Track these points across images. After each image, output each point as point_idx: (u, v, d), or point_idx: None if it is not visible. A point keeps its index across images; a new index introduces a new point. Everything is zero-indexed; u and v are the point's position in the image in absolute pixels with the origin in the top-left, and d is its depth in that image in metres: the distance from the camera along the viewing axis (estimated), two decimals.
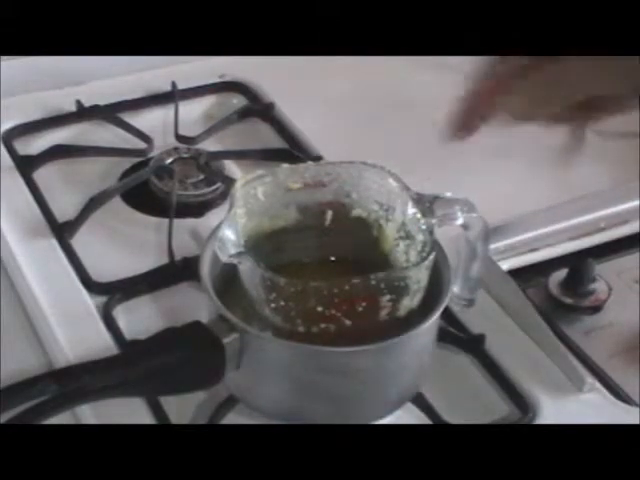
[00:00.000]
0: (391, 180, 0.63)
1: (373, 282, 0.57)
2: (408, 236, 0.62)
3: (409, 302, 0.59)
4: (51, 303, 0.69)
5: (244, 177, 0.63)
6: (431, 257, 0.59)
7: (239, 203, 0.62)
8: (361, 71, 0.96)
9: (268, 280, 0.57)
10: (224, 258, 0.58)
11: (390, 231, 0.63)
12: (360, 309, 0.58)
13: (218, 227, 0.63)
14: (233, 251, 0.58)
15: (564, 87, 0.52)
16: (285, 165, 0.65)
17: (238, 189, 0.62)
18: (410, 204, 0.61)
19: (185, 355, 0.58)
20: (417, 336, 0.60)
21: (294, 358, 0.59)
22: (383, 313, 0.59)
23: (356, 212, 0.64)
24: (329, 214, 0.65)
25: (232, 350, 0.58)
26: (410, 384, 0.63)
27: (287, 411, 0.60)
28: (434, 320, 0.60)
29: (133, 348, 0.63)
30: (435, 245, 0.60)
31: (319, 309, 0.58)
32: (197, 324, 0.59)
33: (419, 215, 0.61)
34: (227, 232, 0.59)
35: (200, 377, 0.58)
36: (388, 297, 0.58)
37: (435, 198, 0.61)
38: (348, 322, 0.58)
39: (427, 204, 0.61)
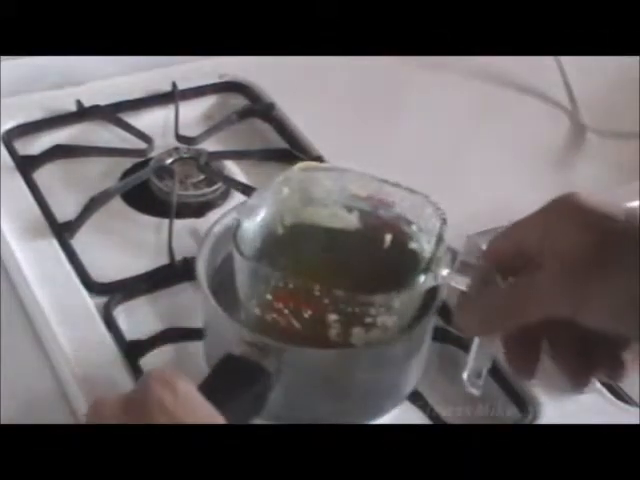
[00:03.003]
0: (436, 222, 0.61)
1: (317, 293, 0.57)
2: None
3: (361, 333, 0.58)
4: (51, 303, 0.69)
5: (306, 163, 0.63)
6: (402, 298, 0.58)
7: (293, 185, 0.61)
8: (361, 71, 0.96)
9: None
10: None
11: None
12: (306, 315, 0.58)
13: (214, 225, 0.63)
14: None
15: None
16: (351, 169, 0.64)
17: (296, 171, 0.62)
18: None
19: (242, 398, 0.56)
20: (413, 337, 0.60)
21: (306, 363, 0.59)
22: (332, 332, 0.58)
23: (413, 245, 0.63)
24: (389, 237, 0.63)
25: (273, 372, 0.57)
26: (406, 383, 0.63)
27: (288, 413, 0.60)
28: (429, 319, 0.60)
29: None
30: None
31: (269, 297, 0.58)
32: (231, 358, 0.57)
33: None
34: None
35: (254, 409, 0.57)
36: (335, 317, 0.58)
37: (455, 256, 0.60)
38: (296, 323, 0.58)
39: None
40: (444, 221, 0.60)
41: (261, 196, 0.62)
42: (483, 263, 0.56)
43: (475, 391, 0.59)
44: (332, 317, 0.58)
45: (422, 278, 0.58)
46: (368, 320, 0.57)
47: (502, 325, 0.54)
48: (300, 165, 0.63)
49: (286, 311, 0.58)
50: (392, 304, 0.57)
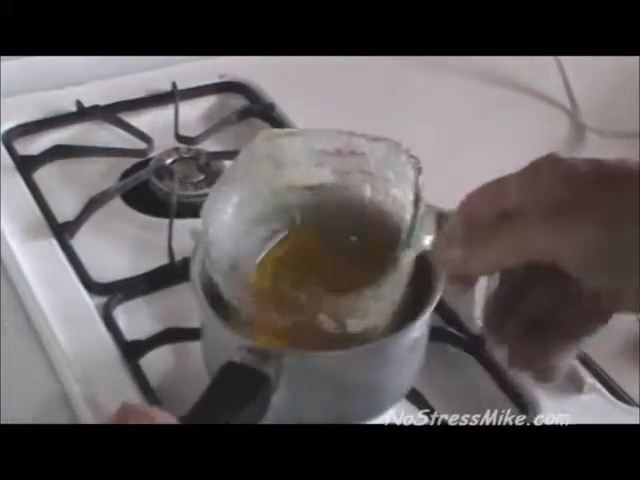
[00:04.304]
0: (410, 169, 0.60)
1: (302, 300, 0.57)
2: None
3: (356, 322, 0.58)
4: (51, 303, 0.69)
5: (266, 132, 0.62)
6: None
7: (261, 156, 0.61)
8: (361, 71, 0.96)
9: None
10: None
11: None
12: (297, 318, 0.58)
13: (209, 227, 0.63)
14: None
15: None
16: (314, 128, 0.63)
17: (259, 143, 0.61)
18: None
19: (245, 406, 0.56)
20: (408, 334, 0.60)
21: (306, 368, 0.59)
22: (328, 327, 0.58)
23: (394, 191, 0.62)
24: (368, 186, 0.62)
25: (274, 377, 0.57)
26: (405, 381, 0.63)
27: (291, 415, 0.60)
28: (425, 319, 0.60)
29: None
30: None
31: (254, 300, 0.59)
32: (231, 366, 0.57)
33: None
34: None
35: (257, 415, 0.57)
36: (325, 316, 0.58)
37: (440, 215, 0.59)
38: (289, 324, 0.58)
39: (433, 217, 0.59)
40: (419, 170, 0.59)
41: (226, 183, 0.61)
42: (457, 216, 0.55)
43: None
44: (322, 316, 0.58)
45: (405, 256, 0.57)
46: (359, 313, 0.58)
47: (486, 266, 0.53)
48: (261, 135, 0.61)
49: (275, 315, 0.58)
50: (378, 293, 0.57)
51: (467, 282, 0.54)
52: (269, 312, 0.59)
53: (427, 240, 0.57)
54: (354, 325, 0.58)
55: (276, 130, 0.61)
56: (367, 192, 0.63)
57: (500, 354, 0.59)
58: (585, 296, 0.52)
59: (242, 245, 0.62)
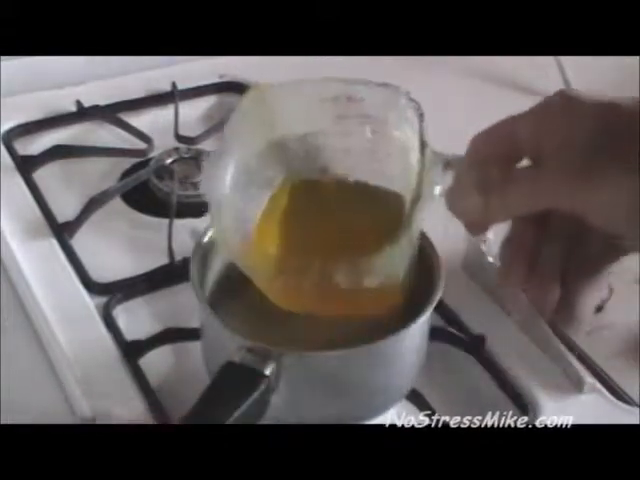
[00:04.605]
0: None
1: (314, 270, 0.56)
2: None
3: (373, 279, 0.56)
4: (51, 303, 0.69)
5: (254, 89, 0.60)
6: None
7: (252, 117, 0.59)
8: (361, 71, 0.96)
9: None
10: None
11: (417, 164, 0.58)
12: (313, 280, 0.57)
13: (209, 227, 0.63)
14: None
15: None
16: (306, 78, 0.60)
17: (250, 101, 0.59)
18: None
19: (245, 406, 0.56)
20: (409, 334, 0.60)
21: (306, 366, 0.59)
22: (345, 282, 0.57)
23: (396, 134, 0.59)
24: (368, 128, 0.60)
25: (273, 377, 0.57)
26: (404, 382, 0.63)
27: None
28: (425, 318, 0.60)
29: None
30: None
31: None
32: (230, 366, 0.57)
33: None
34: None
35: (256, 414, 0.57)
36: (342, 277, 0.56)
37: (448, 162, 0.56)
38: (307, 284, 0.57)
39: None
40: (421, 116, 0.57)
41: (223, 146, 0.59)
42: (467, 161, 0.53)
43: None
44: (339, 277, 0.56)
45: (418, 207, 0.55)
46: (377, 270, 0.56)
47: (503, 215, 0.51)
48: (250, 94, 0.60)
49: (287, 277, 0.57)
50: (396, 250, 0.56)
51: (482, 228, 0.52)
52: (280, 274, 0.58)
53: (437, 190, 0.55)
54: (370, 281, 0.57)
55: (265, 83, 0.59)
56: (367, 135, 0.60)
57: (514, 300, 0.57)
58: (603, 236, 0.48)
59: (244, 198, 0.60)
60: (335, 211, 0.62)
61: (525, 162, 0.52)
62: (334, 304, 0.58)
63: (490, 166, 0.50)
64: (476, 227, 0.52)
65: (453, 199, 0.52)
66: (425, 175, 0.55)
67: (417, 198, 0.55)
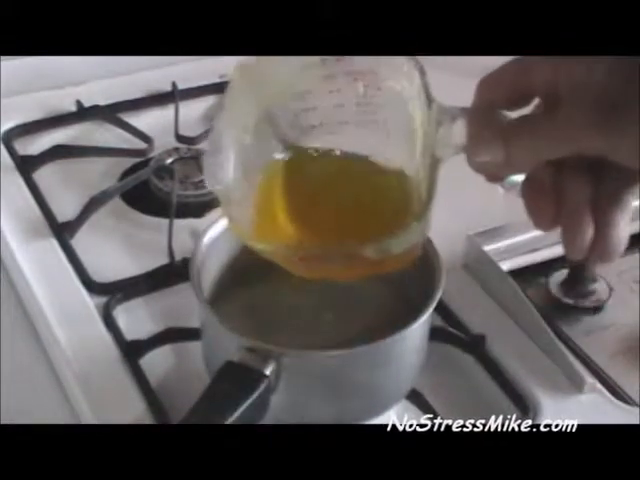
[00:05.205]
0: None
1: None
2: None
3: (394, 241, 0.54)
4: (51, 303, 0.69)
5: (239, 64, 0.59)
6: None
7: (243, 89, 0.58)
8: None
9: None
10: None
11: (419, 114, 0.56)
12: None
13: (209, 228, 0.63)
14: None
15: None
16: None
17: (239, 75, 0.58)
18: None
19: (245, 406, 0.56)
20: (409, 334, 0.60)
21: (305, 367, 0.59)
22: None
23: (390, 83, 0.58)
24: (360, 84, 0.58)
25: (273, 377, 0.57)
26: (404, 382, 0.63)
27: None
28: (425, 318, 0.60)
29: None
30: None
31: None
32: (230, 366, 0.57)
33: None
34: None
35: (256, 415, 0.57)
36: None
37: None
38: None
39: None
40: (422, 70, 0.56)
41: (215, 137, 0.58)
42: (476, 103, 0.50)
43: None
44: (367, 250, 0.53)
45: (438, 168, 0.52)
46: (403, 244, 0.54)
47: (525, 166, 0.49)
48: (237, 70, 0.59)
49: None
50: (420, 228, 0.54)
51: (502, 178, 0.50)
52: (303, 252, 0.56)
53: (452, 147, 0.52)
54: (398, 250, 0.54)
55: (250, 59, 0.58)
56: (359, 90, 0.58)
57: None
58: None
59: (248, 177, 0.59)
60: (339, 186, 0.60)
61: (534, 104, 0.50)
62: (358, 270, 0.56)
63: (502, 112, 0.48)
64: (497, 178, 0.50)
65: (473, 154, 0.50)
66: (437, 134, 0.53)
67: (436, 162, 0.52)
